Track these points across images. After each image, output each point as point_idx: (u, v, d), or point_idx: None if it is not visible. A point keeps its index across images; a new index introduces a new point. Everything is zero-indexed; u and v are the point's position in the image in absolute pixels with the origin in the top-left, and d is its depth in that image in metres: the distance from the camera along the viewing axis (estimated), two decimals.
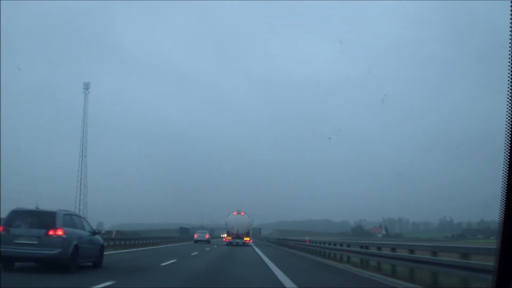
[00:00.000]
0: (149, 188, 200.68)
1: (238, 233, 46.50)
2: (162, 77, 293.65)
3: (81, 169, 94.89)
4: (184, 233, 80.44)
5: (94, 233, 14.73)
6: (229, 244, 45.72)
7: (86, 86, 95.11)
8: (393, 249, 15.43)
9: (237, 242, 46.00)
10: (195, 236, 59.22)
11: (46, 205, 13.85)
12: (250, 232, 49.40)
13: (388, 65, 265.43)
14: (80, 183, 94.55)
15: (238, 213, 48.03)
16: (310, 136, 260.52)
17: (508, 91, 3.03)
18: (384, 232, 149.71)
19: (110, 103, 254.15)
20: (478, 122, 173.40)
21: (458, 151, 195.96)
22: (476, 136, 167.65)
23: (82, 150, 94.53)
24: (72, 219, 13.34)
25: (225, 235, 49.85)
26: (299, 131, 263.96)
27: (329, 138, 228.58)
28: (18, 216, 12.39)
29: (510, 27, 3.09)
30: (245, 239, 46.37)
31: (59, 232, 12.15)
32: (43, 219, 12.33)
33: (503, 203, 2.86)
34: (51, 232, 12.02)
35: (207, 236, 58.46)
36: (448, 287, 11.14)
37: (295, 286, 11.42)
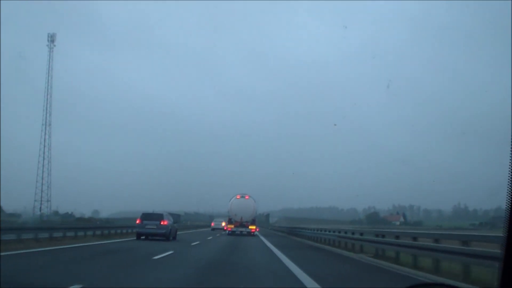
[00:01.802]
0: (139, 172, 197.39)
1: (242, 221, 41.44)
2: (153, 52, 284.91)
3: (44, 140, 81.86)
4: None
5: (174, 222, 29.55)
6: (232, 233, 41.22)
7: (51, 38, 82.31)
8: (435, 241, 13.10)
9: (241, 231, 41.37)
10: (212, 224, 63.75)
11: None
12: (256, 219, 44.24)
13: (394, 47, 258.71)
14: (43, 158, 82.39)
15: (242, 197, 42.57)
16: (317, 122, 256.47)
17: None
18: (402, 219, 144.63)
19: (92, 78, 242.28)
20: (491, 106, 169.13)
21: (469, 136, 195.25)
22: (490, 120, 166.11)
23: (46, 117, 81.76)
24: (168, 216, 28.37)
25: (224, 223, 46.01)
26: (305, 116, 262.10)
27: (335, 125, 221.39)
28: (146, 215, 27.47)
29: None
30: (250, 227, 41.41)
31: (165, 222, 27.25)
32: (158, 216, 27.29)
33: (509, 189, 2.74)
34: (162, 222, 26.97)
35: (223, 223, 59.16)
36: None
37: None
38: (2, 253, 13.12)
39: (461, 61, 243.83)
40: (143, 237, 27.42)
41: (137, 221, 27.76)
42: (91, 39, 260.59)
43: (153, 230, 27.07)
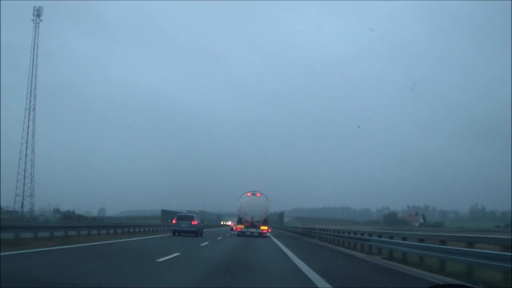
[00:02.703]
0: (143, 170, 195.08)
1: (253, 221, 39.33)
2: (158, 47, 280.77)
3: (28, 127, 74.93)
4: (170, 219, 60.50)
5: (201, 222, 36.19)
6: (242, 234, 39.31)
7: (37, 12, 75.31)
8: None
9: (252, 232, 39.20)
10: (231, 224, 67.36)
11: None
12: (268, 219, 42.12)
13: (415, 49, 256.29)
14: (26, 147, 74.79)
15: (253, 194, 40.23)
16: (330, 123, 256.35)
17: None
18: (421, 220, 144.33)
19: (93, 71, 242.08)
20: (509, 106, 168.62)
21: (487, 136, 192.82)
22: (507, 120, 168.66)
23: (30, 101, 75.19)
24: (198, 216, 35.55)
25: (235, 223, 45.48)
26: (318, 116, 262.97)
27: (358, 126, 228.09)
28: (181, 216, 35.10)
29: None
30: (262, 228, 39.27)
31: (195, 222, 34.94)
32: (190, 217, 34.78)
33: None
34: (193, 222, 34.05)
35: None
36: None
37: None
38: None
39: (479, 58, 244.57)
40: (176, 234, 34.12)
41: (174, 221, 35.22)
42: (89, 29, 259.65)
43: (186, 228, 34.52)
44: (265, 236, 38.70)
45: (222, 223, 69.89)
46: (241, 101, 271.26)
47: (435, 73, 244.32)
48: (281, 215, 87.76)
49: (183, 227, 34.89)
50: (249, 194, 40.06)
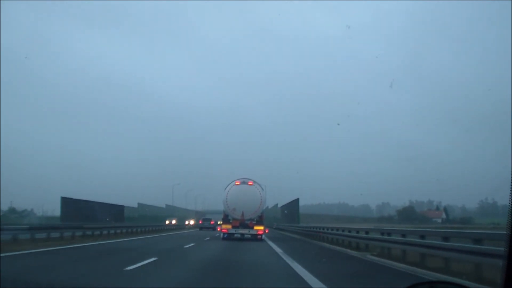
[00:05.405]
0: (117, 162, 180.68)
1: (244, 218, 31.47)
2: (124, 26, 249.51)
3: None
4: (75, 211, 44.15)
5: (215, 222, 60.92)
6: (229, 237, 32.03)
7: None
8: None
9: (242, 234, 31.82)
10: (192, 223, 77.16)
11: None
12: (264, 215, 33.50)
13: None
14: None
15: (244, 183, 32.35)
16: (321, 116, 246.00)
17: None
18: (444, 216, 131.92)
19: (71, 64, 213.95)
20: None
21: (491, 126, 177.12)
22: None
23: None
24: (213, 217, 59.99)
25: (204, 221, 56.11)
26: (308, 110, 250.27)
27: (338, 124, 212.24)
28: (204, 218, 60.29)
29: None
30: (256, 228, 31.54)
31: (212, 222, 60.69)
32: (209, 219, 61.26)
33: None
34: (211, 222, 59.64)
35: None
36: None
37: None
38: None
39: (490, 51, 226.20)
40: (201, 229, 58.14)
41: (200, 222, 59.05)
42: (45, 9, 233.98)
43: (207, 225, 59.26)
44: (260, 239, 31.61)
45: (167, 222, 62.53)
46: (227, 88, 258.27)
47: (447, 68, 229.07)
48: (294, 203, 57.99)
49: (205, 225, 59.14)
50: (238, 183, 32.35)
